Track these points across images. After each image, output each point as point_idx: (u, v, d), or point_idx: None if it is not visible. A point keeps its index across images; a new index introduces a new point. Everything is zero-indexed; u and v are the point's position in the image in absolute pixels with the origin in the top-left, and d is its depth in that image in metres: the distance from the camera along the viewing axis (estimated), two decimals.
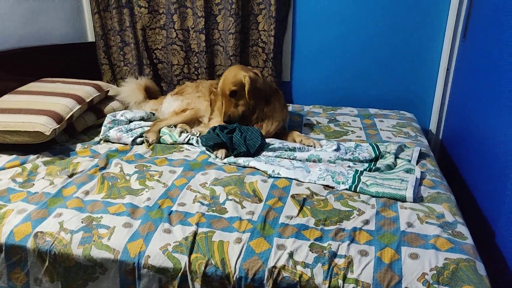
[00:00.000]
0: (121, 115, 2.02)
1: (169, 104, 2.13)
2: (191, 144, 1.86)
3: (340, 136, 1.95)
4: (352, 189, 1.40)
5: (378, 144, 1.74)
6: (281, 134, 1.91)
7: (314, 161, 1.65)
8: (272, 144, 1.74)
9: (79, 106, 1.89)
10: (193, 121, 2.06)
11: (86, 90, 2.01)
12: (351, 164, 1.61)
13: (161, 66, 2.65)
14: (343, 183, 1.44)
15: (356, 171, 1.52)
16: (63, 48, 2.40)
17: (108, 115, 1.99)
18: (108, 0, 2.49)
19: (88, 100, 1.96)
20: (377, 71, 2.43)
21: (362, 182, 1.42)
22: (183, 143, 1.86)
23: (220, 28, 2.44)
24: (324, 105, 2.47)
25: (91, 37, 2.65)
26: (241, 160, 1.64)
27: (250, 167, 1.60)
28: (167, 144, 1.86)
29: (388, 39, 2.34)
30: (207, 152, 1.75)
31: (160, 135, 1.92)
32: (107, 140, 1.89)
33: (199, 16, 2.38)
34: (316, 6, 2.37)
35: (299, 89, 2.58)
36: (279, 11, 2.33)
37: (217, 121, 1.93)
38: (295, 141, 1.83)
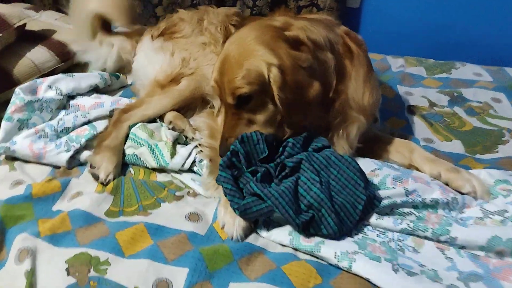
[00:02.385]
0: (49, 86, 1.00)
1: (149, 60, 1.11)
2: (198, 173, 0.87)
3: (492, 148, 0.99)
4: None
5: None
6: (371, 139, 0.92)
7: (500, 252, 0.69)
8: (384, 187, 0.78)
9: None
10: (195, 102, 1.03)
11: None
12: None
13: None
14: None
15: None
16: None
17: (17, 89, 0.96)
18: None
19: None
20: None
21: None
22: (180, 170, 0.87)
23: None
24: (419, 54, 1.43)
25: None
26: (330, 251, 0.68)
27: (354, 274, 0.65)
28: (147, 168, 0.88)
29: None
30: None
31: (129, 143, 0.91)
32: (11, 157, 0.88)
33: None
34: None
35: (373, 23, 1.56)
36: None
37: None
38: (415, 169, 0.86)
